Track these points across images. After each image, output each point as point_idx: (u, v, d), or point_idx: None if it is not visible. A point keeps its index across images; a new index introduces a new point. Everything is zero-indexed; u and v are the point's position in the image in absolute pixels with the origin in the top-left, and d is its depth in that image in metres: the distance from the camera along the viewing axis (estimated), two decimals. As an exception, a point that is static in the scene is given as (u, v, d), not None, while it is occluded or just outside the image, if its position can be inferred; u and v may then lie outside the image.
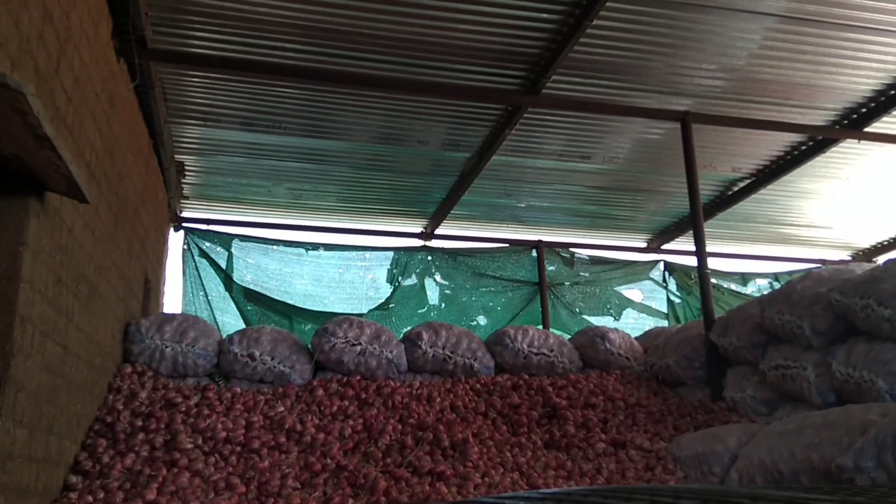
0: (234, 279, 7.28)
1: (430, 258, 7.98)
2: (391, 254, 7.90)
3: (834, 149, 6.36)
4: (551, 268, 8.26)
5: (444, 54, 4.94)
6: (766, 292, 7.12)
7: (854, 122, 5.97)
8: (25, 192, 2.74)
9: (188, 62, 4.85)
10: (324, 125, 5.86)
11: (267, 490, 3.50)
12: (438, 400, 4.63)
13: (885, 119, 5.85)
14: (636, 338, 6.17)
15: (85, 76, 3.45)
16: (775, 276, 8.88)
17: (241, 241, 7.52)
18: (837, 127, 6.06)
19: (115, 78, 4.16)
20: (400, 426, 4.24)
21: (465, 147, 6.29)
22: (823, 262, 8.92)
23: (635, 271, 8.64)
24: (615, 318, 8.26)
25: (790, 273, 8.73)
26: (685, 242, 8.25)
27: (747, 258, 9.10)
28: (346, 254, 7.84)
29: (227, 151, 6.30)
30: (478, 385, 4.96)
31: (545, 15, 4.57)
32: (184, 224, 7.43)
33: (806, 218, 8.14)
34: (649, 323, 8.22)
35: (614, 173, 6.92)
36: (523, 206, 7.59)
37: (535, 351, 5.38)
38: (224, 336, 5.11)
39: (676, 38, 4.86)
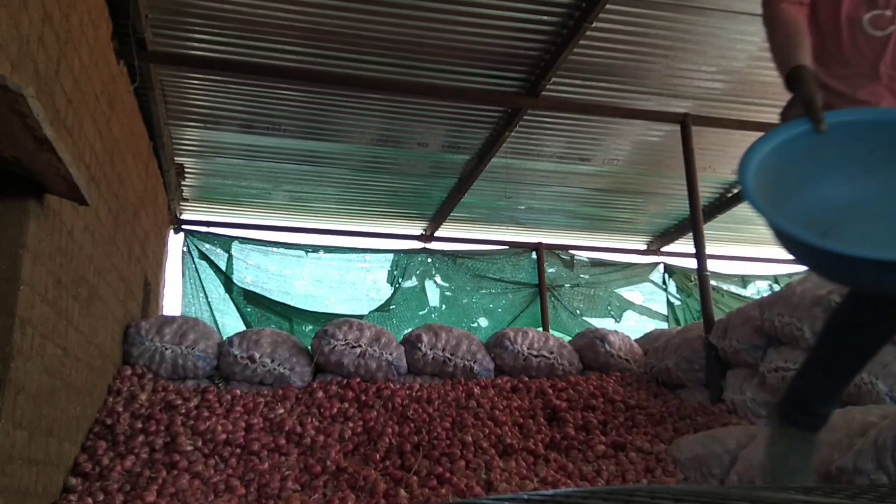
0: (234, 281, 7.28)
1: (430, 260, 7.98)
2: (391, 256, 7.91)
3: (833, 151, 6.35)
4: (551, 270, 8.25)
5: (444, 57, 4.94)
6: (765, 294, 7.12)
7: (853, 125, 5.96)
8: (25, 195, 2.74)
9: (188, 64, 4.85)
10: (323, 127, 5.87)
11: (267, 492, 3.50)
12: (438, 402, 4.63)
13: (884, 121, 5.84)
14: (636, 340, 6.16)
15: (85, 78, 3.45)
16: (775, 279, 8.87)
17: (241, 243, 7.52)
18: (837, 129, 6.05)
19: (114, 80, 4.16)
20: (399, 428, 4.24)
21: (464, 149, 6.29)
22: (823, 264, 8.89)
23: (635, 273, 8.63)
24: (616, 321, 8.25)
25: (790, 275, 8.71)
26: (685, 245, 8.25)
27: (747, 260, 9.08)
28: (346, 256, 7.85)
29: (227, 154, 6.30)
30: (477, 388, 4.96)
31: (545, 17, 4.57)
32: (183, 226, 7.43)
33: (806, 220, 8.12)
34: (650, 325, 8.21)
35: (614, 176, 6.92)
36: (523, 208, 7.60)
37: (534, 353, 5.37)
38: (224, 338, 5.10)
39: (676, 40, 4.86)
